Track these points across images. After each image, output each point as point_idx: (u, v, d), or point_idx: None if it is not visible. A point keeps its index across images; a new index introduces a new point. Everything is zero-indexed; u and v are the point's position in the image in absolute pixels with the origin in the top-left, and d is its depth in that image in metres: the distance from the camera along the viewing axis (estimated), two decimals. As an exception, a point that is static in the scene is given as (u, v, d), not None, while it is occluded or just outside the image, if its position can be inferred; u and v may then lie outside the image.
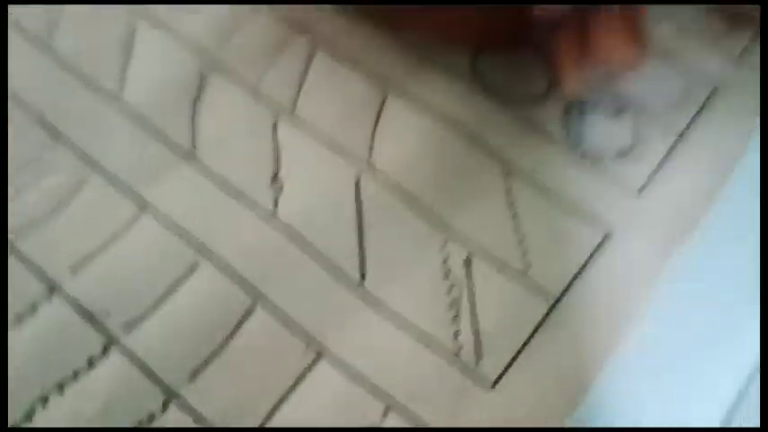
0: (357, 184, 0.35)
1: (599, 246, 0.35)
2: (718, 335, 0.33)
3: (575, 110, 0.38)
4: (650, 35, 0.39)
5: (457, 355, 0.31)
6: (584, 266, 0.34)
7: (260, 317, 0.32)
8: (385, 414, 0.30)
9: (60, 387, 0.30)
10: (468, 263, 0.34)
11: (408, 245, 0.34)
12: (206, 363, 0.30)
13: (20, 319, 0.31)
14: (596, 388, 0.31)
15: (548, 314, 0.33)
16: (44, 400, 0.29)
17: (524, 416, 0.30)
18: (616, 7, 0.34)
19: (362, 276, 0.33)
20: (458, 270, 0.33)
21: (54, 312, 0.31)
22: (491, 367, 0.31)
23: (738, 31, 0.41)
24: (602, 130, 0.38)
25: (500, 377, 0.31)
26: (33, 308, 0.31)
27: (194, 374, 0.30)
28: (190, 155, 0.35)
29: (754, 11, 0.39)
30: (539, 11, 0.33)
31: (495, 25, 0.37)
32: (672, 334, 0.33)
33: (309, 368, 0.31)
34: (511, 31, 0.37)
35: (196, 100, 0.37)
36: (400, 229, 0.34)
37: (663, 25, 0.41)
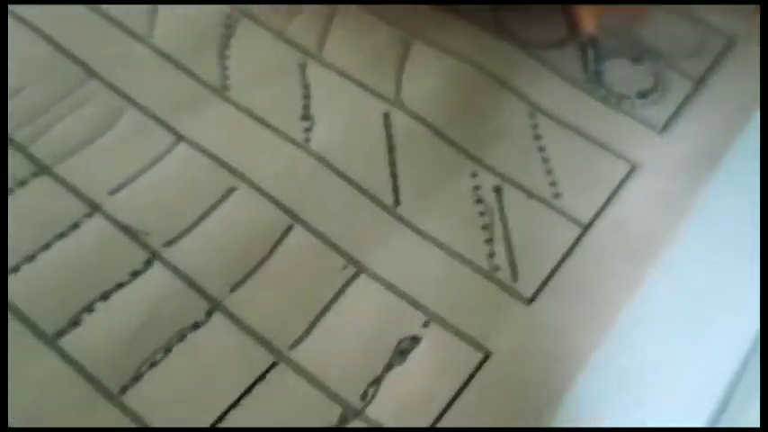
0: (386, 118, 0.36)
1: (625, 178, 0.35)
2: (742, 269, 0.33)
3: (594, 54, 0.38)
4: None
5: (493, 274, 0.32)
6: (611, 197, 0.34)
7: (298, 236, 0.32)
8: (425, 325, 0.30)
9: (105, 296, 0.30)
10: (498, 190, 0.34)
11: (439, 174, 0.35)
12: (246, 276, 0.31)
13: (61, 236, 0.31)
14: (625, 314, 0.32)
15: (578, 240, 0.33)
16: (89, 309, 0.29)
17: (562, 333, 0.31)
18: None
19: (396, 201, 0.33)
20: (489, 197, 0.34)
21: (95, 229, 0.32)
22: (528, 286, 0.32)
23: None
24: (623, 74, 0.38)
25: (536, 295, 0.31)
26: (74, 226, 0.31)
27: (236, 286, 0.30)
28: (221, 91, 0.36)
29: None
30: None
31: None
32: (697, 266, 0.33)
33: (348, 283, 0.31)
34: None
35: (223, 43, 0.38)
36: (430, 159, 0.35)
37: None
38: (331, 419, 0.28)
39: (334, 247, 0.32)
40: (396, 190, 0.34)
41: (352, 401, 0.29)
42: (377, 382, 0.29)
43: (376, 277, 0.31)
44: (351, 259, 0.32)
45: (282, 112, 0.36)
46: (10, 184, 0.33)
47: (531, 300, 0.32)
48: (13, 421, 0.27)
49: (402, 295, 0.31)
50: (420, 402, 0.29)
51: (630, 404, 0.30)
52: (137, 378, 0.28)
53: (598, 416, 0.29)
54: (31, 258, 0.31)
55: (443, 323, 0.31)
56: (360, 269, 0.31)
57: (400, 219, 0.33)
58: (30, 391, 0.28)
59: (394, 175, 0.34)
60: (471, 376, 0.29)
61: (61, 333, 0.29)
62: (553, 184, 0.35)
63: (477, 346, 0.30)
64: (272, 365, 0.29)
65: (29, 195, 0.33)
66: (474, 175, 0.35)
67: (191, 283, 0.30)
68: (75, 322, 0.29)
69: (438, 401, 0.29)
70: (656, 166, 0.36)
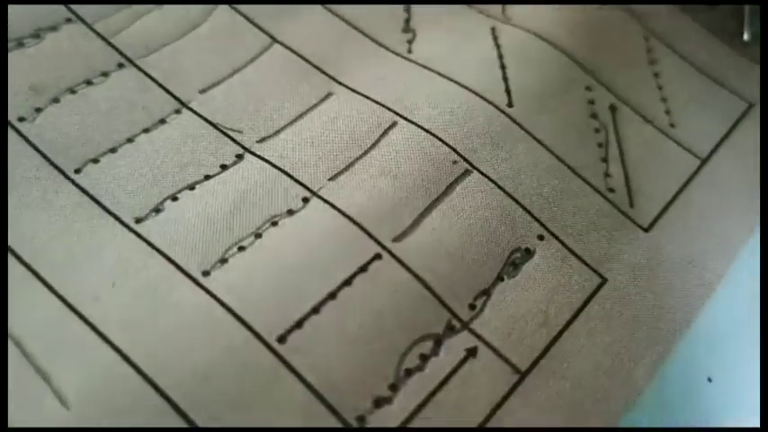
0: (493, 32, 0.32)
1: (743, 115, 0.32)
2: None
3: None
4: None
5: (608, 195, 0.28)
6: (730, 131, 0.32)
7: (403, 130, 0.29)
8: (540, 238, 0.27)
9: (192, 186, 0.27)
10: (613, 109, 0.31)
11: (552, 84, 0.32)
12: (348, 166, 0.28)
13: (146, 130, 0.29)
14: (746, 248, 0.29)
15: (697, 172, 0.30)
16: (173, 197, 0.27)
17: (681, 265, 0.29)
18: None
19: (510, 103, 0.30)
20: (604, 114, 0.31)
21: (183, 124, 0.29)
22: (644, 213, 0.29)
23: None
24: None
25: (653, 224, 0.29)
26: (161, 121, 0.29)
27: (335, 176, 0.28)
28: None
29: None
30: None
31: None
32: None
33: (459, 179, 0.28)
34: None
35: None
36: (542, 69, 0.32)
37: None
38: (437, 327, 0.25)
39: (442, 140, 0.28)
40: (508, 91, 0.30)
41: (460, 311, 0.25)
42: (486, 293, 0.26)
43: (488, 177, 0.28)
44: (461, 155, 0.28)
45: (381, 22, 0.33)
46: (91, 75, 0.30)
47: (648, 228, 0.28)
48: (86, 296, 0.24)
49: (516, 201, 0.27)
50: (532, 323, 0.26)
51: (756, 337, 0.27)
52: (222, 261, 0.25)
53: (720, 350, 0.27)
54: (113, 150, 0.28)
55: (558, 239, 0.27)
56: (471, 166, 0.28)
57: (514, 120, 0.29)
58: (109, 271, 0.25)
59: (505, 78, 0.31)
60: (586, 302, 0.26)
61: (141, 219, 0.26)
62: (668, 112, 0.32)
63: (593, 269, 0.27)
64: (375, 257, 0.25)
65: (112, 87, 0.29)
66: (588, 89, 0.32)
67: (285, 172, 0.27)
68: (157, 209, 0.26)
69: (552, 325, 0.26)
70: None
